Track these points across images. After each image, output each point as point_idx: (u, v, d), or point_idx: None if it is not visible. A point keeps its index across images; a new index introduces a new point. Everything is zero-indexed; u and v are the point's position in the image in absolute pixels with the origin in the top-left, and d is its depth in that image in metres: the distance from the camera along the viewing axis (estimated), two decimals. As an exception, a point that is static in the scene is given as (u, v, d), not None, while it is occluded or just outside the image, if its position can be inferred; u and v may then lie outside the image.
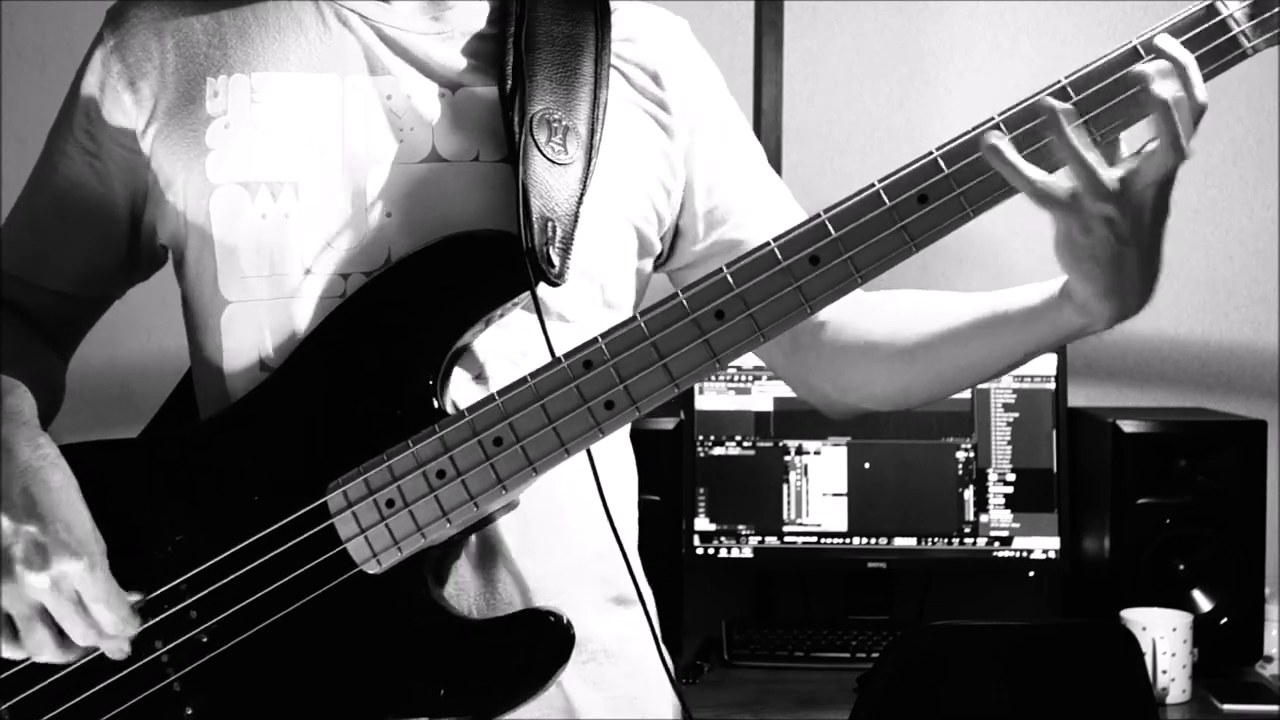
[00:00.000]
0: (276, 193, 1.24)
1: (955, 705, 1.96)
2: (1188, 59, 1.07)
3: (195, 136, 1.26)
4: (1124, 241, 1.10)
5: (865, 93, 2.74)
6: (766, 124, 2.70)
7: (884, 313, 1.32)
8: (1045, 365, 2.53)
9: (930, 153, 1.11)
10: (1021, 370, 2.51)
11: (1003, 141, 1.08)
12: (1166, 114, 1.05)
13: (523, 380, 1.16)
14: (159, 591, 1.20)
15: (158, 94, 1.27)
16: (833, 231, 1.12)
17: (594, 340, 1.16)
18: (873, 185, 1.12)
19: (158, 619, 1.20)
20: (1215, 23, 1.09)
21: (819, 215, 1.13)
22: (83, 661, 1.20)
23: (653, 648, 1.32)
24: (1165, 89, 1.05)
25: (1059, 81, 1.09)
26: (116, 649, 1.19)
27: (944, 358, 1.29)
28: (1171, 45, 1.07)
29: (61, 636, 1.18)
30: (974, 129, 1.10)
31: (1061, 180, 1.09)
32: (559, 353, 1.17)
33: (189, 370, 1.38)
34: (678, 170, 1.34)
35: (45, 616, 1.17)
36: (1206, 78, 1.08)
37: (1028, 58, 2.70)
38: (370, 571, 1.18)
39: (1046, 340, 1.22)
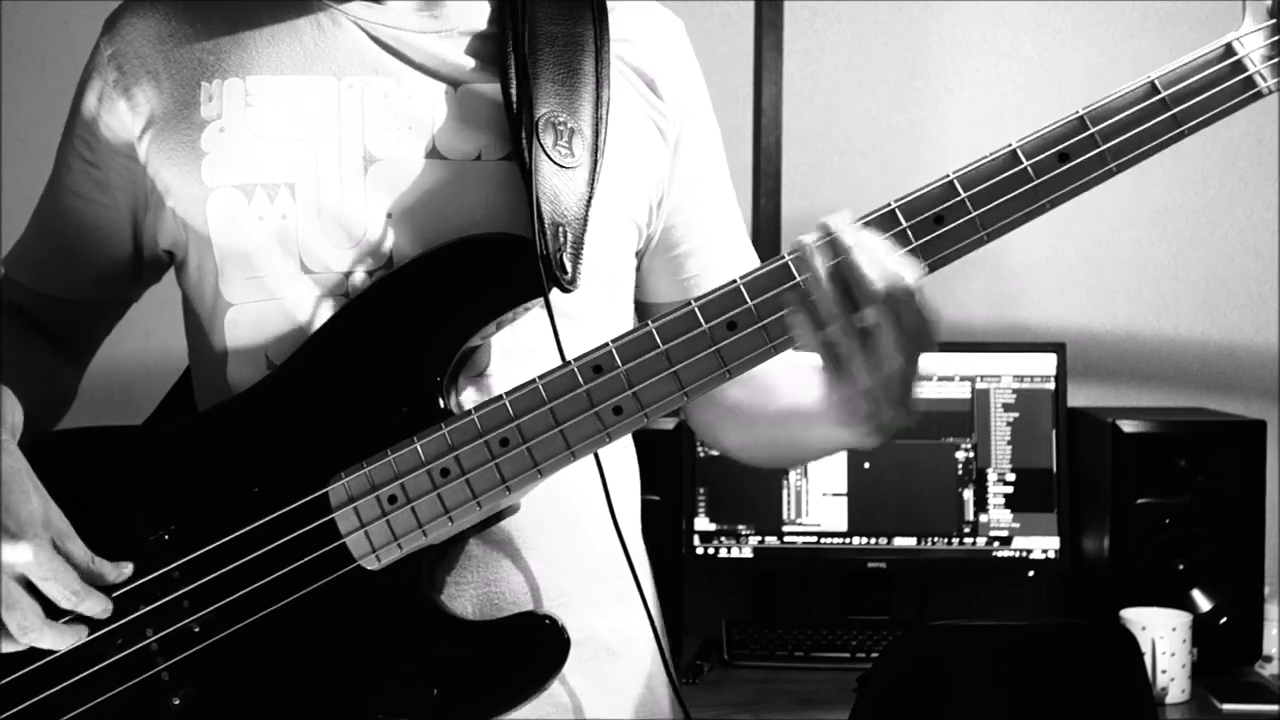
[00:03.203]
0: (273, 195, 1.24)
1: (955, 705, 1.96)
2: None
3: (191, 141, 1.25)
4: (884, 404, 1.13)
5: (865, 93, 2.73)
6: (766, 124, 2.67)
7: (749, 379, 1.29)
8: (1045, 365, 2.53)
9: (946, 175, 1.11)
10: (1021, 370, 2.52)
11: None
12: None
13: (531, 382, 1.16)
14: (149, 577, 1.20)
15: (153, 100, 1.27)
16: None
17: (604, 345, 1.15)
18: (888, 204, 1.11)
19: (149, 607, 1.20)
20: (1231, 62, 1.09)
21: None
22: (65, 650, 1.19)
23: (655, 646, 1.32)
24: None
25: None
26: (91, 609, 1.17)
27: (771, 433, 1.34)
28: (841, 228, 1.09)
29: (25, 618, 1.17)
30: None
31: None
32: (567, 355, 1.17)
33: (186, 369, 1.38)
34: (666, 174, 1.34)
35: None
36: (1219, 117, 1.09)
37: (1028, 57, 2.70)
38: (369, 568, 1.18)
39: (829, 445, 1.27)
